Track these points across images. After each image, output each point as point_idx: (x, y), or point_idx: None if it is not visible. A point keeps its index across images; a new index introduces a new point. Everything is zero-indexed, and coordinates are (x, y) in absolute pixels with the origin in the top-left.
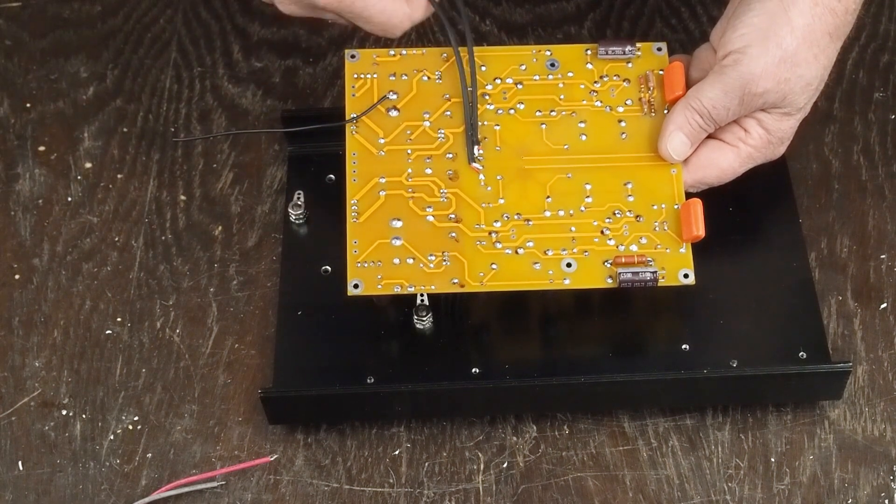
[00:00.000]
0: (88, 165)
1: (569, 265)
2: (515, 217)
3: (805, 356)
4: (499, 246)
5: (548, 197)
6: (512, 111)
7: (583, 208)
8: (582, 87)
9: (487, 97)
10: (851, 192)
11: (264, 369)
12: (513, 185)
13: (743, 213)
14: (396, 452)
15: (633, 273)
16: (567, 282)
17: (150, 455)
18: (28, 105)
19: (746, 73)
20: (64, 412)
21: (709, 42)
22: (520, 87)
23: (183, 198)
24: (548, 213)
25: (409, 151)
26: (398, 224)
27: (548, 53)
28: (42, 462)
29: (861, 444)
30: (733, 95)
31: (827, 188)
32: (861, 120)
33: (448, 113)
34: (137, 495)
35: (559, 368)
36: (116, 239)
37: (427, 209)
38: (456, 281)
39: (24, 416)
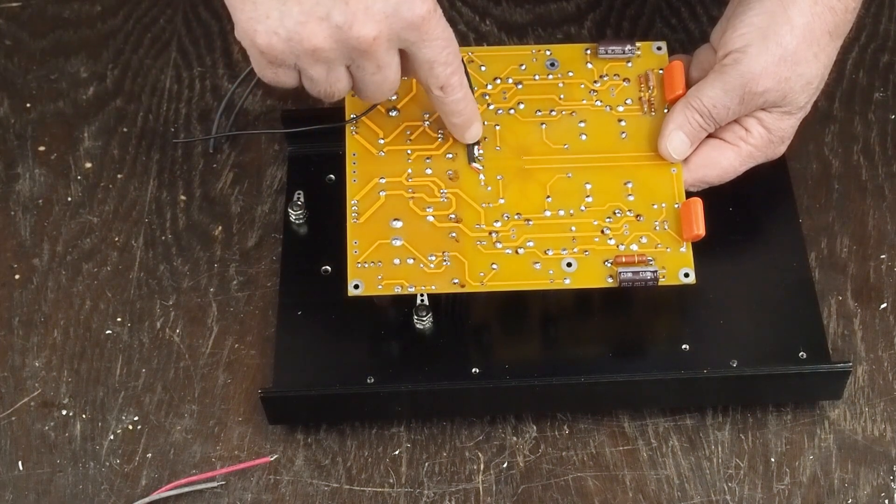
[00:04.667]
0: (88, 165)
1: (569, 265)
2: (516, 217)
3: (805, 356)
4: (499, 246)
5: (548, 197)
6: (512, 111)
7: (583, 208)
8: (582, 86)
9: (487, 97)
10: (851, 192)
11: (264, 369)
12: (513, 185)
13: (743, 213)
14: (396, 452)
15: (633, 272)
16: (567, 281)
17: (150, 455)
18: (28, 105)
19: (747, 73)
20: (64, 412)
21: (709, 42)
22: (520, 86)
23: (183, 198)
24: (548, 213)
25: (408, 152)
26: (398, 224)
27: (548, 53)
28: (42, 462)
29: (861, 444)
30: (734, 94)
31: (827, 188)
32: (861, 120)
33: None
34: (137, 495)
35: (559, 368)
36: (116, 239)
37: (427, 209)
38: (456, 281)
39: (24, 416)
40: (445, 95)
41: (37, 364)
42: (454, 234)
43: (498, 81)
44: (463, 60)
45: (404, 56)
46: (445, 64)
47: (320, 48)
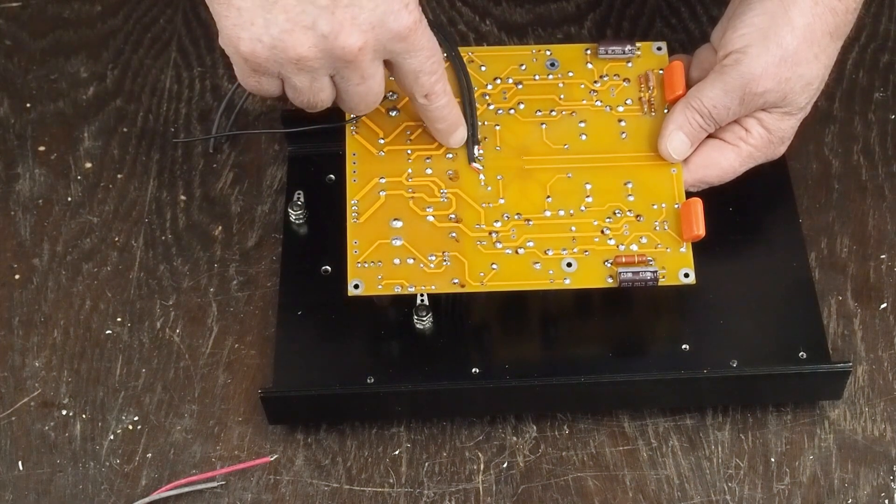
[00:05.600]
0: (88, 165)
1: (569, 265)
2: (516, 217)
3: (805, 356)
4: (499, 246)
5: (548, 197)
6: (512, 111)
7: (583, 208)
8: (582, 86)
9: (487, 97)
10: (851, 192)
11: (264, 369)
12: (513, 185)
13: (743, 213)
14: (396, 452)
15: (633, 273)
16: (567, 281)
17: (150, 455)
18: (28, 105)
19: (747, 73)
20: (64, 412)
21: (709, 42)
22: (520, 86)
23: (183, 198)
24: (548, 213)
25: (409, 152)
26: (398, 224)
27: (548, 53)
28: (42, 462)
29: (861, 444)
30: (734, 95)
31: (827, 188)
32: (861, 120)
33: None
34: (137, 495)
35: (559, 368)
36: (116, 239)
37: (427, 209)
38: (456, 281)
39: (24, 416)
40: (430, 103)
41: (37, 364)
42: (454, 234)
43: (498, 81)
44: (460, 58)
45: (388, 65)
46: (430, 73)
47: (305, 57)
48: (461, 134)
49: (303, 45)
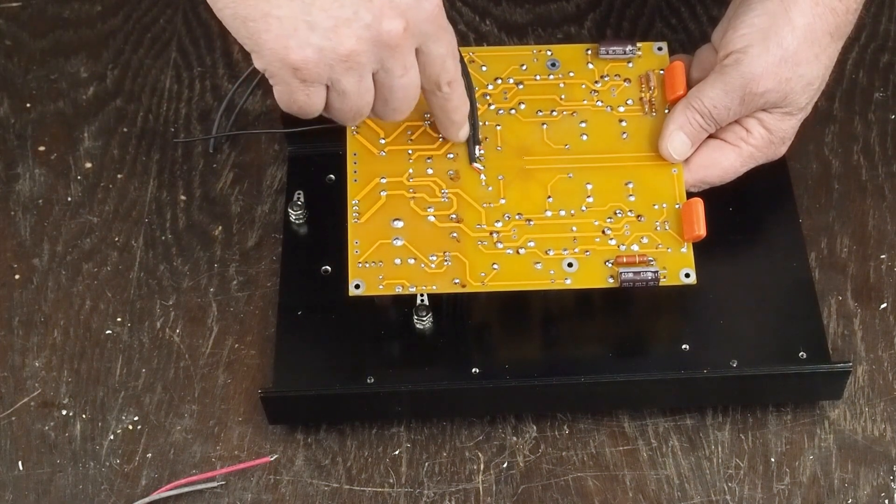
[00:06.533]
0: (88, 165)
1: (570, 265)
2: (517, 217)
3: (805, 356)
4: (500, 246)
5: (549, 197)
6: (513, 111)
7: (584, 208)
8: (583, 86)
9: (488, 97)
10: (851, 192)
11: (264, 369)
12: (514, 185)
13: (743, 213)
14: (396, 452)
15: (634, 273)
16: (568, 282)
17: (150, 455)
18: (28, 105)
19: (747, 73)
20: (64, 412)
21: (710, 42)
22: (520, 86)
23: (183, 198)
24: (549, 213)
25: (409, 152)
26: (399, 224)
27: (548, 53)
28: (42, 462)
29: (861, 444)
30: (734, 95)
31: (827, 188)
32: (861, 120)
33: None
34: (137, 495)
35: (559, 368)
36: (116, 239)
37: (428, 209)
38: (457, 281)
39: (24, 416)
40: (452, 91)
41: (37, 364)
42: (455, 234)
43: (499, 81)
44: (463, 60)
45: (416, 57)
46: (454, 57)
47: (354, 51)
48: (467, 127)
49: (350, 37)
